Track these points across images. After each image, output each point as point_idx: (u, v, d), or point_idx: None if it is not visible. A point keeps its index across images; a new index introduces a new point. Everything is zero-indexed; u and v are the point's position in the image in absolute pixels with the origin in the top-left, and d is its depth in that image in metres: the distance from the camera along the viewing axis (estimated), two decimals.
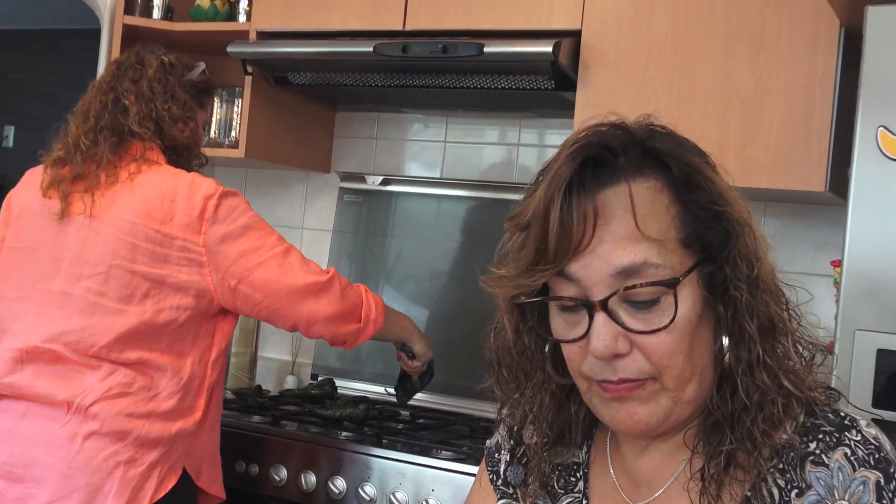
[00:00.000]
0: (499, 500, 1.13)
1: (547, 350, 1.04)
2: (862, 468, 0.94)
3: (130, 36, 2.67)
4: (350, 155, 2.97)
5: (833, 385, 1.06)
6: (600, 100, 2.20)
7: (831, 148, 2.04)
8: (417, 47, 2.30)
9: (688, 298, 0.95)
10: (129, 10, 2.75)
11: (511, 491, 1.12)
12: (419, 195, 2.83)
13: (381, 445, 2.17)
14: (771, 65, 2.08)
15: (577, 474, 1.09)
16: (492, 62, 2.27)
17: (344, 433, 2.29)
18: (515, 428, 1.13)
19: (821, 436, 0.96)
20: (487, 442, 1.19)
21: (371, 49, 2.35)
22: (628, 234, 0.94)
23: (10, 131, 6.34)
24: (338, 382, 2.70)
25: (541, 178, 0.99)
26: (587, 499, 1.07)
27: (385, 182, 2.86)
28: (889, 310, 1.58)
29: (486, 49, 2.24)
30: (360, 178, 2.90)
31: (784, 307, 0.99)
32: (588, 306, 0.95)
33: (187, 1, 2.85)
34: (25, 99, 6.20)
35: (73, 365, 1.87)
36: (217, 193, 1.90)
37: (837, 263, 1.76)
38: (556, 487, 1.09)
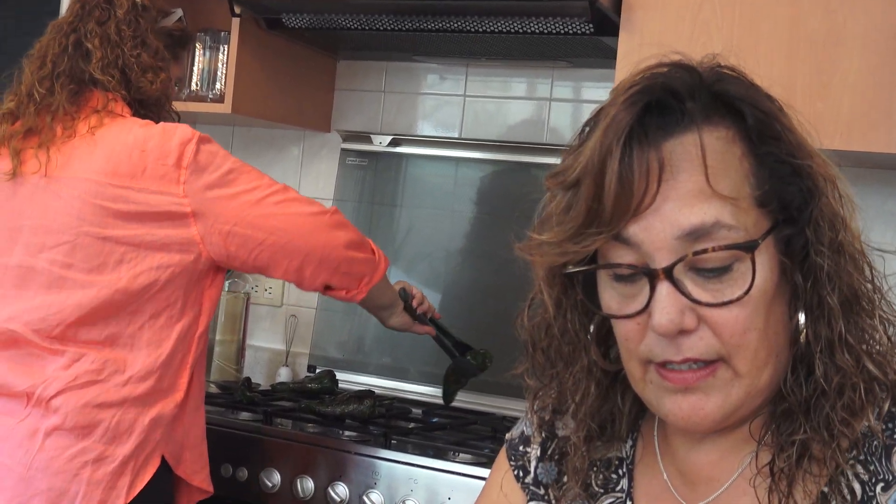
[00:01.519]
0: (528, 501, 1.14)
1: (592, 330, 1.04)
2: None
3: None
4: (354, 111, 2.97)
5: None
6: (647, 46, 2.15)
7: None
8: None
9: (764, 266, 0.96)
10: None
11: (542, 492, 1.13)
12: (434, 158, 2.83)
13: (389, 447, 2.18)
14: (847, 5, 2.07)
15: (620, 471, 1.10)
16: (520, 2, 2.27)
17: (346, 433, 2.30)
18: (547, 418, 1.14)
19: None
20: (509, 434, 1.19)
21: None
22: (697, 191, 0.94)
23: None
24: (339, 375, 2.71)
25: (588, 130, 0.99)
26: (632, 500, 1.09)
27: (394, 143, 2.86)
28: None
29: None
30: (366, 138, 2.90)
31: (869, 279, 1.00)
32: (649, 275, 0.95)
33: None
34: None
35: (32, 349, 1.90)
36: (194, 138, 1.93)
37: None
38: (595, 486, 1.10)
